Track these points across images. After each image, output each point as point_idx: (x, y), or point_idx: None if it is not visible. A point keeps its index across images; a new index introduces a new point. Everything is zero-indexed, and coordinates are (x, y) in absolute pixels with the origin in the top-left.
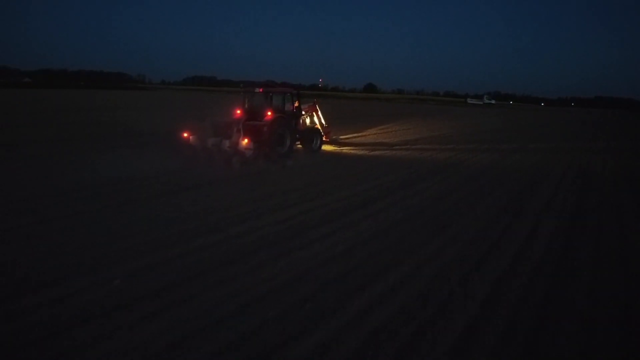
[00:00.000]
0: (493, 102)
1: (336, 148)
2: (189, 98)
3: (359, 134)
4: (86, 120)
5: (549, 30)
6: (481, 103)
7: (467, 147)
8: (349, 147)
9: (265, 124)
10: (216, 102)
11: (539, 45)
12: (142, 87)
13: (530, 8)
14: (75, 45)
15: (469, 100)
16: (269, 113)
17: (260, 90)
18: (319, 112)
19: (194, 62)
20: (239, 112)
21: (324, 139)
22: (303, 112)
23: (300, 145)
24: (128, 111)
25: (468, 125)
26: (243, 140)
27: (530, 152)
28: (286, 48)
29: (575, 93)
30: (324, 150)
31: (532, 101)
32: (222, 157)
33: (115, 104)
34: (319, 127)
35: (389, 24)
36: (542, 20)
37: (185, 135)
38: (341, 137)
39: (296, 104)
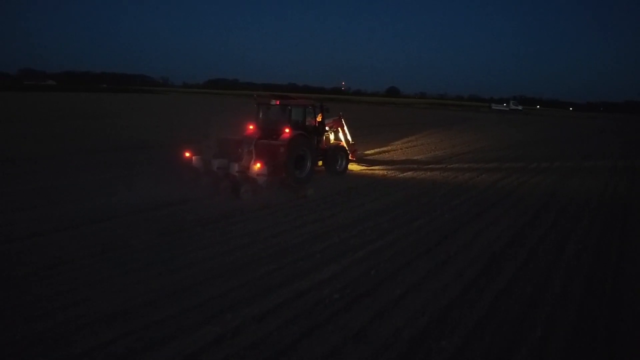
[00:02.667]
0: (520, 108)
1: (363, 168)
2: (208, 102)
3: (384, 149)
4: (91, 128)
5: (577, 32)
6: (507, 109)
7: (511, 166)
8: (377, 167)
9: (282, 144)
10: (235, 106)
11: (566, 48)
12: (161, 90)
13: (557, 10)
14: (100, 49)
15: (493, 106)
16: (287, 130)
17: (277, 102)
18: (345, 128)
19: (216, 64)
20: (251, 127)
21: (349, 157)
22: (327, 128)
23: (321, 165)
24: (136, 116)
25: (499, 136)
26: (255, 164)
27: (589, 171)
28: (309, 51)
29: (604, 97)
30: (349, 170)
31: (560, 105)
32: (228, 183)
33: (131, 107)
34: (344, 145)
35: (413, 27)
36: (570, 23)
37: (187, 154)
38: (366, 152)
39: (319, 119)
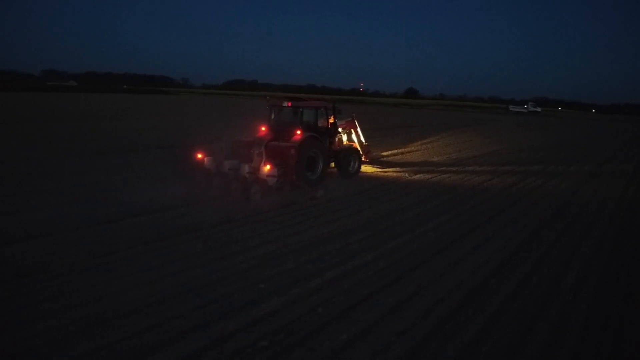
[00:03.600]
0: (539, 109)
1: (377, 170)
2: (225, 103)
3: (400, 150)
4: (102, 129)
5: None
6: (525, 110)
7: (530, 169)
8: (391, 169)
9: (293, 146)
10: (251, 107)
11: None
12: (179, 91)
13: (580, 10)
14: (122, 50)
15: (511, 108)
16: (298, 132)
17: (289, 104)
18: (358, 129)
19: (236, 65)
20: (263, 129)
21: (362, 159)
22: (340, 130)
23: (334, 167)
24: (149, 117)
25: (517, 140)
26: (265, 165)
27: (609, 176)
28: (328, 52)
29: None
30: (363, 172)
31: (582, 107)
32: (239, 184)
33: (147, 108)
34: (357, 146)
35: (433, 28)
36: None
37: (200, 156)
38: (382, 153)
39: (331, 120)
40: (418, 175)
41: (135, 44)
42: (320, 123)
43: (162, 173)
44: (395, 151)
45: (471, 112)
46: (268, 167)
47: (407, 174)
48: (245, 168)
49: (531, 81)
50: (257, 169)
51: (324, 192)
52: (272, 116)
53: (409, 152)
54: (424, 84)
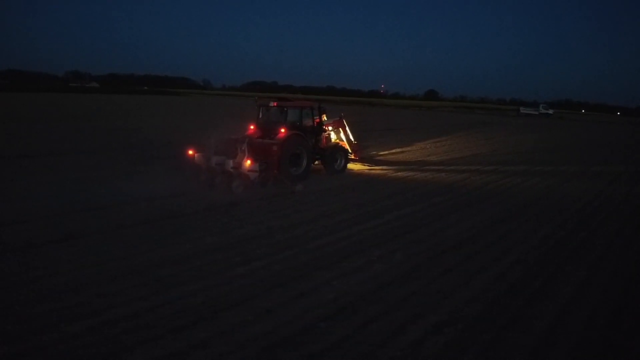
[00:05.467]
0: (550, 112)
1: (365, 167)
2: (240, 104)
3: (399, 150)
4: (110, 128)
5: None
6: (536, 113)
7: (514, 169)
8: (379, 167)
9: (276, 143)
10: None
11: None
12: (197, 93)
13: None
14: (145, 51)
15: (522, 110)
16: (283, 130)
17: (275, 104)
18: (347, 128)
19: (257, 67)
20: (252, 127)
21: (352, 157)
22: (330, 128)
23: (320, 164)
24: (153, 117)
25: (510, 142)
26: (246, 161)
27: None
28: (350, 53)
29: None
30: (350, 170)
31: (607, 110)
32: (224, 178)
33: (164, 108)
34: (346, 145)
35: (454, 29)
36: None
37: (191, 152)
38: (380, 153)
39: (317, 120)
40: (401, 173)
41: (159, 47)
42: (306, 122)
43: (155, 168)
44: (392, 151)
45: (481, 114)
46: (249, 162)
47: (391, 172)
48: (230, 163)
49: (557, 83)
50: (240, 164)
51: (303, 187)
52: (260, 115)
53: (402, 152)
54: (445, 85)
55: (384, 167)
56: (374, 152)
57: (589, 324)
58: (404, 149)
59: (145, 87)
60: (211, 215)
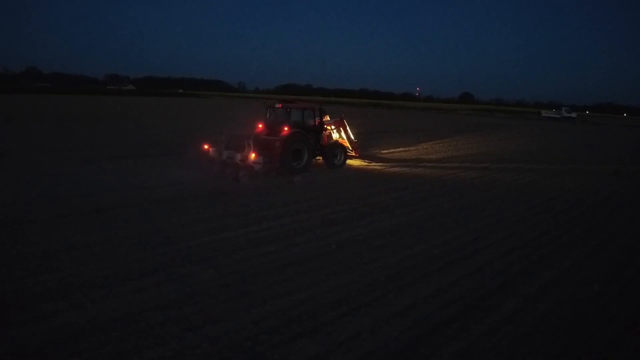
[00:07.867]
0: (573, 115)
1: (363, 163)
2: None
3: (404, 149)
4: (123, 128)
5: None
6: (558, 116)
7: (507, 167)
8: (377, 163)
9: (278, 139)
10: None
11: None
12: (230, 95)
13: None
14: (182, 54)
15: (544, 113)
16: (286, 128)
17: (279, 105)
18: (347, 128)
19: (292, 70)
20: (260, 126)
21: (352, 154)
22: (332, 127)
23: (321, 160)
24: (175, 119)
25: (518, 143)
26: (251, 154)
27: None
28: (384, 57)
29: None
30: (348, 166)
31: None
32: (232, 169)
33: (194, 109)
34: (346, 143)
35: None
36: None
37: (206, 147)
38: (383, 151)
39: (318, 120)
40: (396, 169)
41: (196, 50)
42: (308, 121)
43: (177, 161)
44: (397, 149)
45: (500, 117)
46: (253, 155)
47: (387, 168)
48: (238, 156)
49: (595, 85)
50: (246, 158)
51: (300, 178)
52: (267, 115)
53: (406, 151)
54: (481, 88)
55: (381, 164)
56: (377, 150)
57: None
58: (407, 148)
59: (180, 90)
60: (222, 197)
